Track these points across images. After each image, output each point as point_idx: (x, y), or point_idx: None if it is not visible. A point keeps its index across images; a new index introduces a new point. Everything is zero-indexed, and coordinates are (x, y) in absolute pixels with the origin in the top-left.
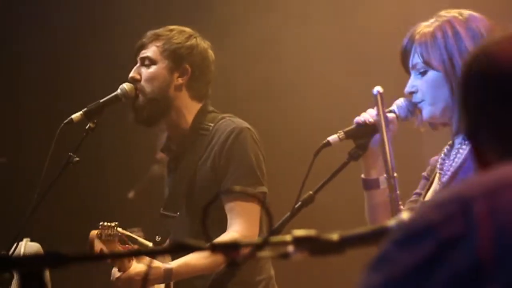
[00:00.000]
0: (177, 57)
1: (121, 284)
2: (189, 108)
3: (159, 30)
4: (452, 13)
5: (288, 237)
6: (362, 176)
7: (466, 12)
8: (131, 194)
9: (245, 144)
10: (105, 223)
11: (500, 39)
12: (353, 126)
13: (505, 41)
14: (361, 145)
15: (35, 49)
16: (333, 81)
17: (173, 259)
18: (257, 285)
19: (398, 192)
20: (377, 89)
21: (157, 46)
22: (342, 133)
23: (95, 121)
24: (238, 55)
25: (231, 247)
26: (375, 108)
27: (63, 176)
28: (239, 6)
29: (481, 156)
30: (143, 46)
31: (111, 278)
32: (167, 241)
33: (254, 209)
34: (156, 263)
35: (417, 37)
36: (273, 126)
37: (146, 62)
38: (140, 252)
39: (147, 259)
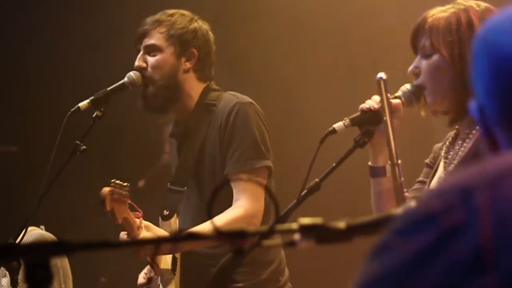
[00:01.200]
0: (183, 42)
1: (129, 251)
2: (196, 90)
3: (160, 16)
4: (470, 2)
5: (294, 225)
6: (369, 163)
7: (483, 4)
8: (141, 183)
9: (248, 118)
10: (117, 181)
11: None
12: (358, 113)
13: None
14: (366, 132)
15: (41, 38)
16: (339, 69)
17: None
18: (269, 265)
19: (402, 179)
20: (380, 75)
21: (161, 33)
22: (348, 120)
23: (102, 109)
24: (249, 42)
25: (237, 235)
26: (379, 94)
27: (71, 164)
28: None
29: (492, 140)
30: (145, 34)
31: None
32: (175, 215)
33: (259, 185)
34: (164, 232)
35: (430, 20)
36: (280, 114)
37: (152, 50)
38: (146, 241)
39: (155, 228)
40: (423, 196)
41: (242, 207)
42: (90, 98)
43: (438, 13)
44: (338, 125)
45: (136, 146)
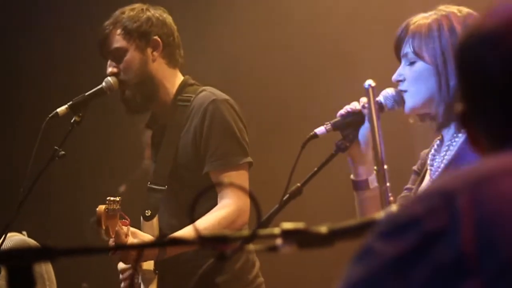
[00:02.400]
0: (142, 35)
1: (118, 257)
2: (169, 78)
3: (111, 20)
4: (452, 8)
5: (276, 230)
6: (352, 177)
7: (465, 10)
8: (122, 188)
9: (226, 115)
10: (111, 198)
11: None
12: (339, 118)
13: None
14: (348, 136)
15: (24, 44)
16: (321, 73)
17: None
18: (235, 263)
19: (388, 184)
20: (369, 82)
21: (118, 34)
22: (329, 124)
23: (81, 114)
24: (232, 44)
25: (219, 240)
26: (367, 101)
27: (50, 170)
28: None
29: (477, 142)
30: (105, 41)
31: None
32: (156, 216)
33: (244, 178)
34: (150, 237)
35: (412, 27)
36: (262, 117)
37: (116, 54)
38: (128, 247)
39: (141, 234)
40: (406, 201)
41: (229, 206)
42: (68, 104)
43: (420, 19)
44: (319, 129)
45: (119, 150)
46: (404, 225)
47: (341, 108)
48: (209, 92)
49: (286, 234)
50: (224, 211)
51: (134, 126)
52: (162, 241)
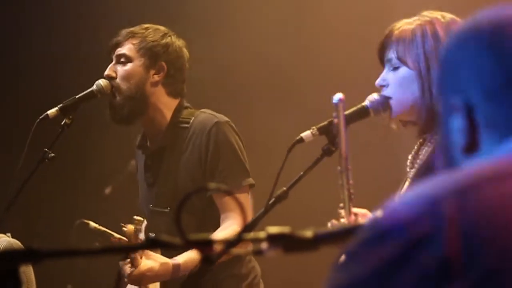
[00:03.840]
0: (153, 55)
1: (132, 279)
2: (166, 105)
3: (134, 28)
4: (435, 14)
5: (262, 234)
6: None
7: (449, 16)
8: (107, 190)
9: (230, 137)
10: (137, 217)
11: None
12: (326, 122)
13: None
14: (334, 141)
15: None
16: (311, 77)
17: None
18: (245, 279)
19: (351, 181)
20: (338, 96)
21: (133, 44)
22: (315, 129)
23: (71, 117)
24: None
25: (205, 244)
26: (334, 114)
27: (39, 172)
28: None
29: (473, 142)
30: (118, 44)
31: (123, 273)
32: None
33: (246, 199)
34: (164, 259)
35: (396, 32)
36: (249, 122)
37: (122, 60)
38: (115, 249)
39: (155, 255)
40: (389, 205)
41: (236, 225)
42: (58, 106)
43: (404, 25)
44: (305, 134)
45: (109, 153)
46: (389, 232)
47: (329, 114)
48: (209, 114)
49: (271, 238)
50: (234, 229)
51: (125, 129)
52: (146, 244)
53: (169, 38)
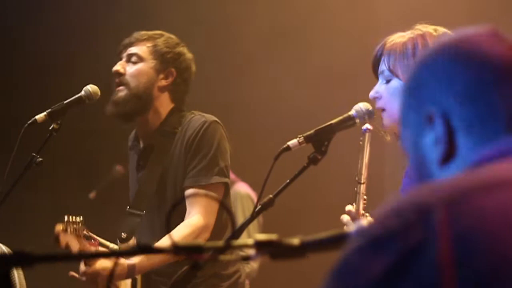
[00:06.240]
0: (165, 60)
1: (88, 278)
2: (165, 107)
3: (149, 32)
4: (428, 28)
5: (250, 241)
6: None
7: (441, 29)
8: (92, 194)
9: (212, 136)
10: (71, 218)
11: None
12: (312, 131)
13: (483, 32)
14: (320, 149)
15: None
16: (300, 84)
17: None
18: (229, 278)
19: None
20: (367, 126)
21: (147, 46)
22: (302, 137)
23: (59, 122)
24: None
25: (194, 250)
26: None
27: (27, 176)
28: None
29: (451, 149)
30: (132, 44)
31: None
32: (133, 238)
33: (213, 199)
34: (121, 259)
35: (388, 45)
36: (239, 129)
37: (134, 59)
38: (104, 254)
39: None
40: (379, 213)
41: (191, 223)
42: (47, 111)
43: (396, 38)
44: (292, 142)
45: (97, 159)
46: (383, 242)
47: (320, 121)
48: (198, 115)
49: (259, 245)
50: (190, 228)
51: (112, 134)
52: (137, 249)
53: (182, 48)
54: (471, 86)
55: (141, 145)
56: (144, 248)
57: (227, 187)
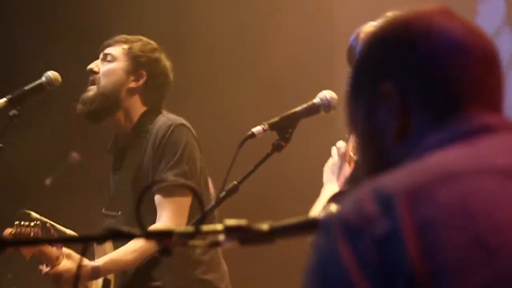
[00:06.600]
0: (136, 62)
1: (50, 279)
2: (137, 110)
3: (129, 36)
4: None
5: (219, 227)
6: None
7: None
8: (48, 181)
9: (178, 140)
10: (22, 222)
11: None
12: (276, 118)
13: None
14: (284, 136)
15: None
16: (260, 72)
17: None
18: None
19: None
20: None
21: (123, 48)
22: (266, 124)
23: (19, 108)
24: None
25: (164, 235)
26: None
27: None
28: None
29: (404, 127)
30: (110, 45)
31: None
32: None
33: (181, 201)
34: (84, 261)
35: (361, 35)
36: (201, 117)
37: (108, 58)
38: (74, 239)
39: (77, 256)
40: (344, 202)
41: (160, 225)
42: (7, 97)
43: (368, 28)
44: (257, 129)
45: (61, 147)
46: (360, 227)
47: (279, 107)
48: (165, 118)
49: (228, 230)
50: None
51: (80, 124)
52: (107, 234)
53: (158, 54)
54: (427, 64)
55: (117, 147)
56: (114, 233)
57: (195, 190)
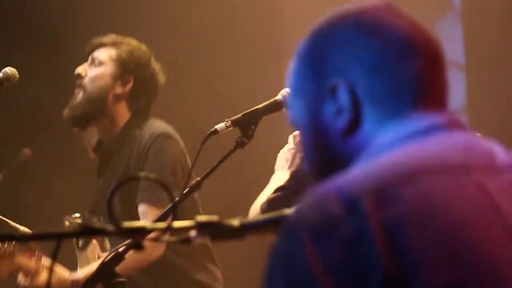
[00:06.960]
0: (124, 67)
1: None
2: (123, 116)
3: (118, 38)
4: None
5: (190, 223)
6: None
7: None
8: None
9: (160, 150)
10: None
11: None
12: (239, 115)
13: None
14: (247, 133)
15: None
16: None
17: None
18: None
19: None
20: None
21: (110, 52)
22: (229, 121)
23: None
24: None
25: (136, 231)
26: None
27: None
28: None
29: (355, 122)
30: (98, 47)
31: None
32: (92, 245)
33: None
34: (63, 274)
35: None
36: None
37: (96, 62)
38: (49, 235)
39: (59, 268)
40: (305, 201)
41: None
42: None
43: None
44: (219, 126)
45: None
46: (325, 229)
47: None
48: (153, 126)
49: (200, 226)
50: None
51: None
52: (79, 231)
53: (146, 59)
54: (377, 58)
55: (102, 151)
56: (87, 229)
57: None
